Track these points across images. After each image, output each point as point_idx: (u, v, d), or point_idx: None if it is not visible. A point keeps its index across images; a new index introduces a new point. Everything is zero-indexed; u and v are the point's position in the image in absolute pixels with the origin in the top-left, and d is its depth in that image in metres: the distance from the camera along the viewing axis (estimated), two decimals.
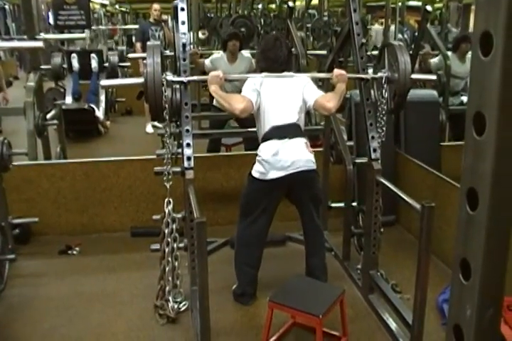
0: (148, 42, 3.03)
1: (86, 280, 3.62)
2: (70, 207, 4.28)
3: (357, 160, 3.47)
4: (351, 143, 3.90)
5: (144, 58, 6.75)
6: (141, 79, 2.94)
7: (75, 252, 4.03)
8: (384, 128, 3.24)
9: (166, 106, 2.92)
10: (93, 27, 10.35)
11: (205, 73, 6.31)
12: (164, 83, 2.87)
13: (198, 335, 2.58)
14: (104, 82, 3.46)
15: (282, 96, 3.11)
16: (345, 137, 3.83)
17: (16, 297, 3.39)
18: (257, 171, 3.08)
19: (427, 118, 4.54)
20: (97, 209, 4.33)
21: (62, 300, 3.36)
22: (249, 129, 5.09)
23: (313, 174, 3.15)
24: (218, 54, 5.34)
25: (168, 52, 5.24)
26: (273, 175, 3.02)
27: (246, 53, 5.42)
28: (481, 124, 0.67)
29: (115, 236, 4.27)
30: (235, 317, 3.16)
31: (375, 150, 3.19)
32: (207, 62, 5.20)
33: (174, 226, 3.05)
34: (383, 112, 3.23)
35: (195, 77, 3.24)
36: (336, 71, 3.15)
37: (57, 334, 3.02)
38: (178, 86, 3.23)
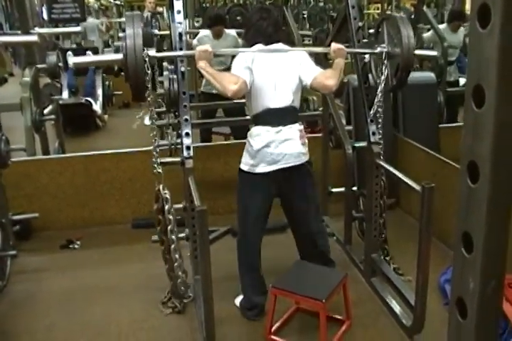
0: (127, 13, 2.73)
1: (88, 274, 3.62)
2: (70, 202, 4.28)
3: (356, 144, 3.47)
4: (350, 127, 3.90)
5: None
6: (119, 55, 2.62)
7: (76, 246, 4.03)
8: (380, 110, 3.12)
9: (149, 86, 2.68)
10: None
11: None
12: (146, 60, 2.57)
13: (202, 324, 2.59)
14: (75, 59, 2.91)
15: (277, 74, 2.85)
16: (343, 122, 3.82)
17: (19, 292, 3.39)
18: (245, 163, 2.91)
19: (425, 100, 4.52)
20: (97, 203, 4.32)
21: (64, 294, 3.37)
22: (246, 117, 5.11)
23: (304, 168, 2.93)
24: (203, 33, 5.43)
25: (156, 31, 5.26)
26: (262, 169, 2.85)
27: (232, 32, 5.49)
28: (480, 97, 0.67)
29: (116, 228, 4.27)
30: None
31: (374, 134, 3.19)
32: (194, 41, 5.35)
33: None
34: (381, 90, 3.07)
35: (180, 52, 3.07)
36: (334, 45, 2.89)
37: (61, 328, 3.03)
38: (175, 76, 3.21)
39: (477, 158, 0.67)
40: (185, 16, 6.11)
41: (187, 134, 3.00)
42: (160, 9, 11.12)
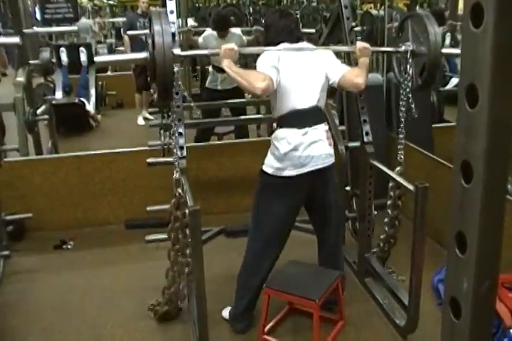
0: (153, 8, 2.71)
1: (82, 274, 3.61)
2: (63, 202, 4.26)
3: (349, 144, 3.47)
4: (343, 127, 3.90)
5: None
6: (143, 54, 2.54)
7: (69, 247, 4.02)
8: (412, 106, 3.01)
9: (175, 84, 2.57)
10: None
11: (195, 71, 6.40)
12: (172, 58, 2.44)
13: (196, 324, 2.58)
14: (98, 58, 2.84)
15: (303, 73, 2.75)
16: (337, 122, 3.82)
17: (12, 293, 3.38)
18: (270, 166, 2.75)
19: (418, 100, 4.52)
20: (90, 203, 4.31)
21: (58, 295, 3.35)
22: (241, 117, 5.12)
23: (332, 170, 2.86)
24: (209, 31, 5.41)
25: None
26: (289, 172, 2.71)
27: (237, 30, 5.49)
28: (473, 96, 0.67)
29: (110, 229, 4.26)
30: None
31: (367, 134, 3.19)
32: (200, 39, 5.35)
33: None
34: (407, 90, 2.98)
35: (205, 51, 2.97)
36: (359, 44, 2.82)
37: (55, 329, 3.02)
38: None
39: (470, 157, 0.67)
40: (178, 16, 6.10)
41: (180, 134, 2.99)
42: (153, 9, 11.10)
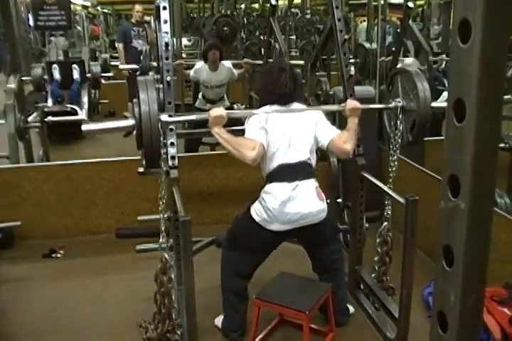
0: (140, 77, 2.61)
1: (71, 284, 3.58)
2: (53, 210, 4.24)
3: None
4: None
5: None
6: (131, 121, 2.52)
7: (59, 255, 3.99)
8: (396, 163, 3.02)
9: (163, 152, 2.54)
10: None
11: (188, 82, 6.42)
12: (159, 125, 2.45)
13: (185, 335, 2.57)
14: (85, 127, 2.76)
15: (291, 132, 2.72)
16: None
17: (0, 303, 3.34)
18: (258, 215, 2.72)
19: None
20: (81, 212, 4.29)
21: (47, 305, 3.32)
22: (233, 128, 5.12)
23: (323, 223, 2.79)
24: (199, 64, 5.45)
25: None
26: (276, 227, 2.69)
27: (227, 63, 5.53)
28: (461, 111, 0.67)
29: (100, 238, 4.23)
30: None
31: (358, 146, 3.20)
32: (191, 72, 5.40)
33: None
34: (396, 145, 2.97)
35: (193, 116, 3.01)
36: (349, 103, 2.83)
37: (43, 339, 2.99)
38: (161, 85, 3.20)
39: (458, 171, 0.68)
40: (173, 35, 6.10)
41: (172, 144, 2.99)
42: (147, 18, 11.12)
